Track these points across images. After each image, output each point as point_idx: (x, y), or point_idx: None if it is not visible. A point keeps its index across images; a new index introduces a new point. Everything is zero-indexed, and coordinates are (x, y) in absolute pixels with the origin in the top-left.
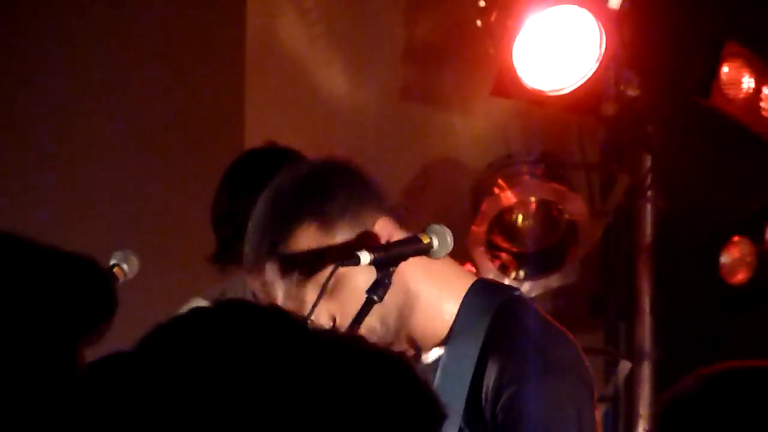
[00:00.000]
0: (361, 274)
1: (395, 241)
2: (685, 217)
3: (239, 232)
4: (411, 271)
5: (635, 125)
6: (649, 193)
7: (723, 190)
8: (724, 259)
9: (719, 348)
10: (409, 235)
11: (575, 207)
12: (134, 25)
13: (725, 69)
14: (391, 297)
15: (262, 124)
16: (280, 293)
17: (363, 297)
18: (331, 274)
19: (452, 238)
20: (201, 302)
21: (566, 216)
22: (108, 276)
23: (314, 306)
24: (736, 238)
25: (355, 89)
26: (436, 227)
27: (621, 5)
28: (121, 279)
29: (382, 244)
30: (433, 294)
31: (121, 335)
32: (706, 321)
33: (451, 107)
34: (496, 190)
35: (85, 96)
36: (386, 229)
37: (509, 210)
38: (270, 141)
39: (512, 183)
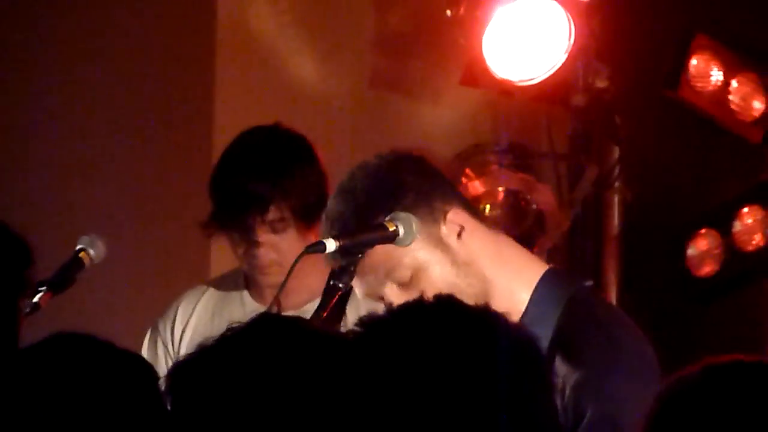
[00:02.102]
0: (438, 266)
1: (360, 229)
2: (653, 209)
3: (224, 199)
4: (485, 259)
5: (603, 116)
6: (616, 184)
7: (690, 182)
8: (691, 251)
9: (686, 340)
10: (477, 222)
11: (543, 197)
12: (103, 10)
13: (694, 61)
14: (469, 284)
15: (232, 111)
16: (358, 288)
17: (441, 285)
18: (297, 260)
19: (418, 225)
20: (194, 294)
21: (534, 206)
22: (6, 225)
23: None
24: (703, 231)
25: (325, 78)
26: (402, 215)
27: None
28: (87, 263)
29: (348, 233)
30: (507, 285)
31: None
32: (673, 313)
33: (420, 97)
34: (464, 180)
35: (55, 88)
36: (457, 219)
37: (477, 200)
38: (277, 122)
39: (480, 173)
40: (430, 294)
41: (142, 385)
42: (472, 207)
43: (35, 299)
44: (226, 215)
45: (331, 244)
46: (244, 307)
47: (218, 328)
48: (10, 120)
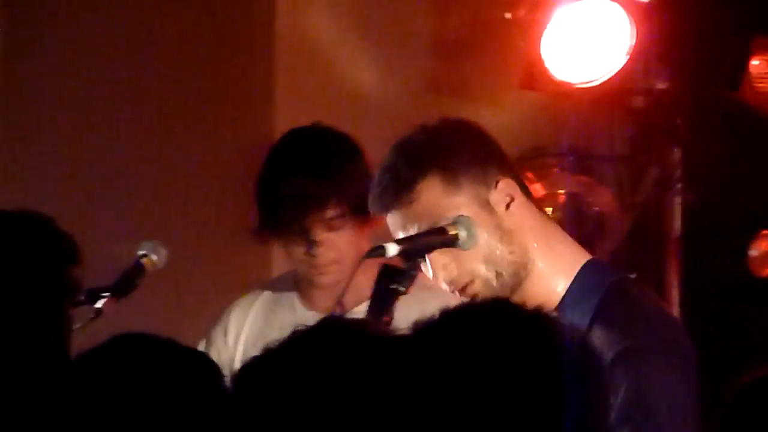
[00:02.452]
0: (481, 227)
1: (421, 233)
2: (714, 210)
3: (279, 200)
4: (530, 235)
5: (664, 118)
6: (678, 185)
7: (752, 183)
8: (753, 252)
9: (748, 341)
10: (528, 200)
11: (604, 200)
12: (164, 19)
13: (755, 62)
14: (510, 251)
15: (292, 116)
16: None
17: (483, 247)
18: (359, 264)
19: (479, 229)
20: (248, 300)
21: (595, 209)
22: (51, 222)
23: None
24: (765, 232)
25: (384, 81)
26: (465, 219)
27: None
28: (150, 269)
29: (409, 236)
30: (548, 265)
31: (144, 320)
32: (735, 314)
33: (479, 100)
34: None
35: (114, 93)
36: (508, 189)
37: (538, 202)
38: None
39: (541, 175)
40: (465, 257)
41: (208, 383)
42: (525, 187)
43: (98, 305)
44: (284, 217)
45: (392, 249)
46: (294, 312)
47: (269, 333)
48: (67, 126)
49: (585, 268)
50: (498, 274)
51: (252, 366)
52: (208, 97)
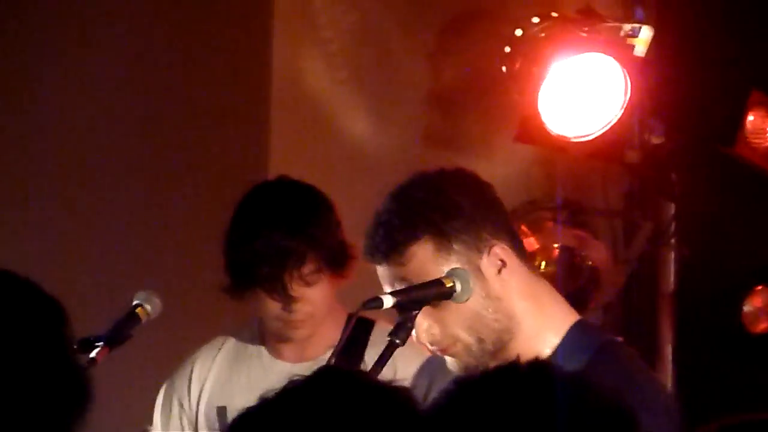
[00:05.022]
0: (467, 294)
1: (417, 285)
2: (708, 266)
3: (256, 257)
4: (519, 299)
5: (659, 173)
6: (672, 241)
7: (746, 238)
8: (747, 308)
9: (741, 398)
10: (520, 261)
11: (598, 254)
12: (160, 64)
13: (750, 118)
14: (495, 320)
15: (286, 167)
16: (387, 289)
17: (466, 313)
18: (355, 314)
19: (474, 281)
20: (210, 348)
21: (589, 263)
22: (34, 284)
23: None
24: (759, 287)
25: (379, 134)
26: (460, 271)
27: (646, 53)
28: (144, 319)
29: (404, 288)
30: (536, 325)
31: (141, 366)
32: (728, 370)
33: (474, 153)
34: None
35: (108, 137)
36: (502, 254)
37: (532, 256)
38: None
39: (535, 229)
40: (452, 317)
41: None
42: (520, 244)
43: (92, 354)
44: (262, 274)
45: (388, 300)
46: (262, 362)
47: (238, 383)
48: (60, 172)
49: (574, 329)
50: (479, 340)
51: (249, 415)
52: (203, 149)
